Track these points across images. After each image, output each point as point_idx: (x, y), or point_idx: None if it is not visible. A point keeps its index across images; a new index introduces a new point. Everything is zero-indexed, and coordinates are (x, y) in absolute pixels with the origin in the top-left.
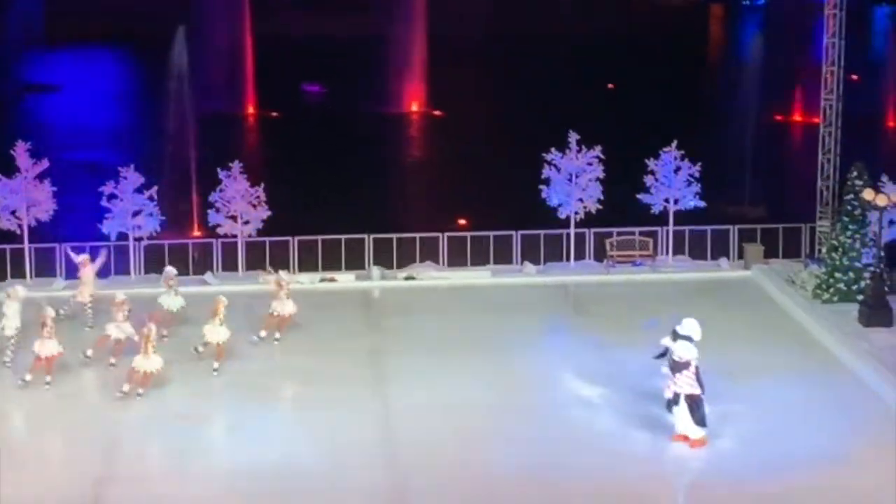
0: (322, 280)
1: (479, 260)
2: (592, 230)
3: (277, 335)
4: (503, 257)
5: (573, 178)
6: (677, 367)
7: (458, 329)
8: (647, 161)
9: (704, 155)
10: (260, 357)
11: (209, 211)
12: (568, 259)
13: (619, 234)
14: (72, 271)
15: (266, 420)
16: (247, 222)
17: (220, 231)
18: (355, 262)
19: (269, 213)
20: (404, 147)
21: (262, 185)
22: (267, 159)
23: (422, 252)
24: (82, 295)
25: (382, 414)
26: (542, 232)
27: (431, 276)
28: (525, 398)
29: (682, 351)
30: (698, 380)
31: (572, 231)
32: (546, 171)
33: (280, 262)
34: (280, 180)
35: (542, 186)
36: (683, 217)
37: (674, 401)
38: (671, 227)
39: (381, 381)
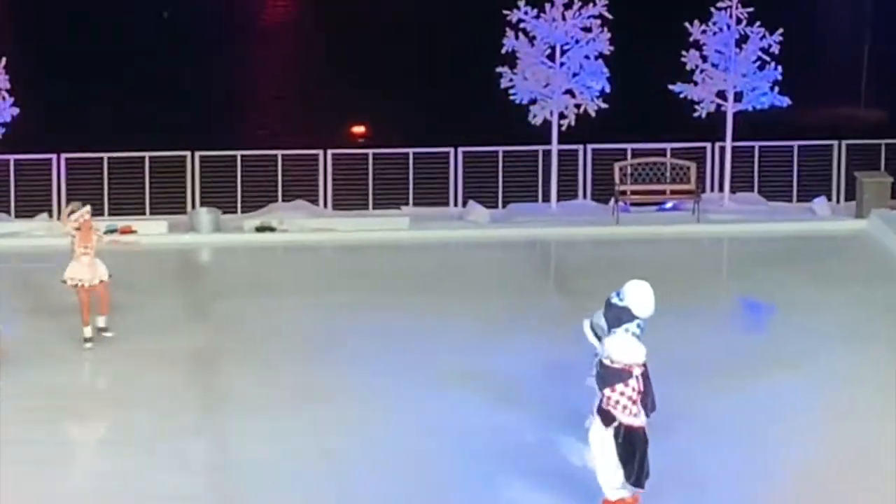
0: (110, 231)
1: (390, 198)
2: (590, 147)
3: (102, 323)
4: (432, 193)
5: (556, 54)
6: (608, 376)
7: (349, 319)
8: (687, 25)
9: (788, 16)
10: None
11: None
12: (546, 198)
13: (636, 153)
14: None
15: (31, 484)
16: None
17: None
18: (169, 201)
19: (14, 111)
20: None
21: (3, 61)
22: (14, 18)
23: (287, 184)
24: None
25: (208, 475)
26: (500, 149)
27: (304, 227)
28: (450, 450)
29: (616, 348)
30: (644, 401)
31: (554, 148)
32: (508, 43)
33: (34, 198)
34: (37, 57)
35: (501, 69)
36: (751, 124)
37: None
38: (729, 143)
39: (210, 415)
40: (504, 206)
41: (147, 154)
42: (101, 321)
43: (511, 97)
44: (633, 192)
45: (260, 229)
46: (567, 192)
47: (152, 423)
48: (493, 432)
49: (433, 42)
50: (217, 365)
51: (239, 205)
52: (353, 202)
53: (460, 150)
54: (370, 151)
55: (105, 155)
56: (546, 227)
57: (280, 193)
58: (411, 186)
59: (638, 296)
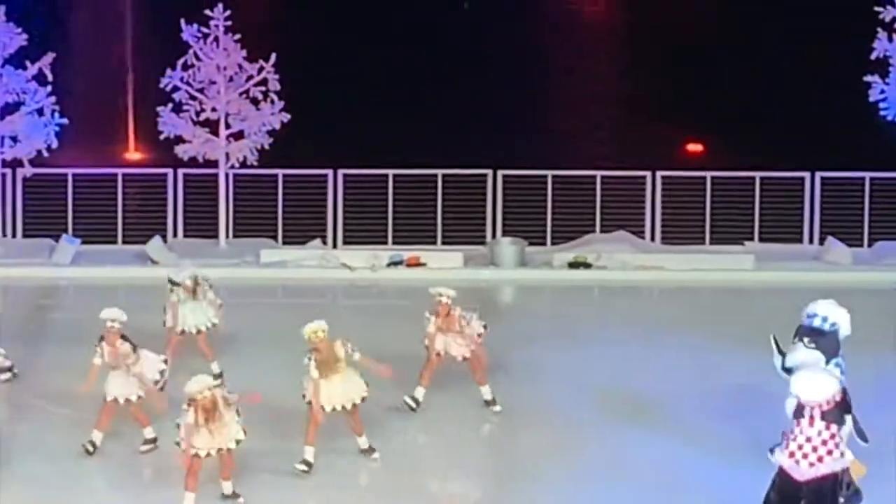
0: (395, 263)
1: (732, 231)
2: None
3: (488, 395)
4: (783, 227)
5: None
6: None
7: (675, 376)
8: None
9: None
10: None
11: (161, 115)
12: None
13: None
14: None
15: None
16: (238, 136)
17: (181, 153)
18: (465, 228)
19: (285, 116)
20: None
21: (272, 59)
22: (290, 11)
23: (607, 211)
24: None
25: None
26: (866, 175)
27: (626, 264)
28: None
29: (795, 380)
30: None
31: None
32: (879, 46)
33: (304, 221)
34: (313, 55)
35: (869, 78)
36: None
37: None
38: None
39: (502, 486)
40: (870, 245)
41: (440, 172)
42: (485, 392)
43: (881, 112)
44: None
45: (573, 265)
46: None
47: (435, 496)
48: None
49: (783, 46)
50: (514, 424)
51: (548, 235)
52: (685, 235)
53: (817, 175)
54: (707, 175)
55: (390, 172)
56: None
57: (598, 223)
58: (757, 218)
59: (844, 314)
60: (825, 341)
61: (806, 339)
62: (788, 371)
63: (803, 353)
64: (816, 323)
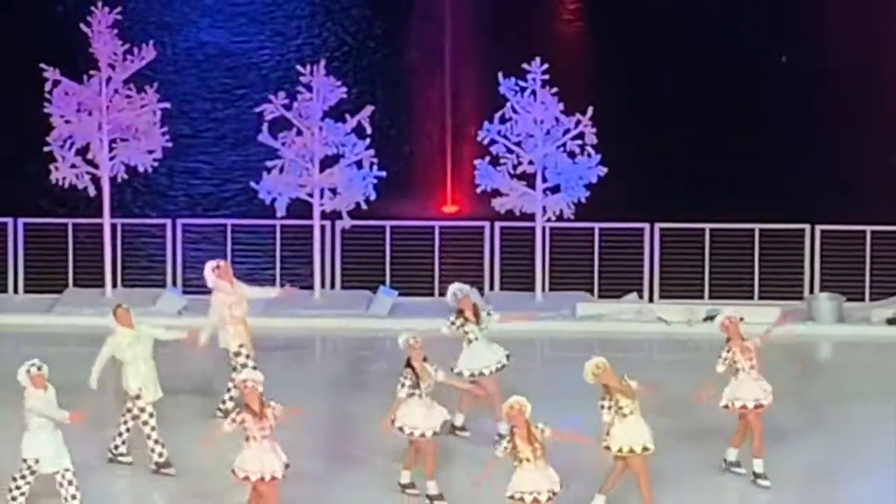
0: (710, 317)
1: None
2: None
3: (759, 468)
4: None
5: None
6: None
7: None
8: None
9: None
10: None
11: (478, 168)
12: None
13: None
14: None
15: None
16: (554, 189)
17: (498, 206)
18: (779, 283)
19: (602, 170)
20: None
21: (589, 112)
22: (608, 62)
23: None
24: (227, 337)
25: None
26: None
27: None
28: None
29: None
30: None
31: None
32: None
33: (623, 278)
34: (626, 110)
35: None
36: None
37: None
38: None
39: None
40: None
41: (757, 226)
42: (757, 464)
43: None
44: None
45: (892, 321)
46: None
47: None
48: None
49: None
50: (832, 482)
51: (867, 291)
52: None
53: None
54: None
55: (707, 226)
56: None
57: None
58: None
59: None
60: None
61: None
62: None
63: None
64: None
